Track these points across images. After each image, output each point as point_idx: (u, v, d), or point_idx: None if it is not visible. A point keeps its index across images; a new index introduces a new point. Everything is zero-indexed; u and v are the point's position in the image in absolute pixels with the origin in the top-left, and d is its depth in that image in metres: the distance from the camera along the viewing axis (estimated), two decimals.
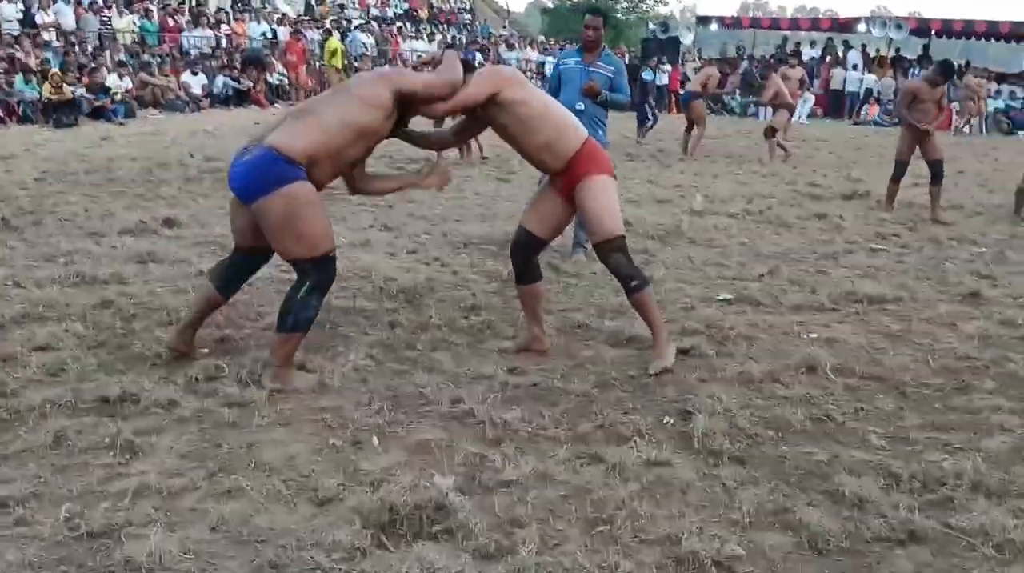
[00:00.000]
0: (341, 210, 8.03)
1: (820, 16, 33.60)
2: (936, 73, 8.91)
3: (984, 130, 21.45)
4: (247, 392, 3.66)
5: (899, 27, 24.50)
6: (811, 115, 22.67)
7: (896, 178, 8.93)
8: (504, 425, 3.42)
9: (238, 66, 19.13)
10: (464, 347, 4.42)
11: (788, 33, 28.83)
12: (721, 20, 29.23)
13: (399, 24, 28.59)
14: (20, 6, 17.98)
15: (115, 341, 4.25)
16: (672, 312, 5.05)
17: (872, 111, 23.34)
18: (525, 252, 4.40)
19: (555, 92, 6.08)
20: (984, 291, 5.66)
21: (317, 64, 21.31)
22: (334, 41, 20.09)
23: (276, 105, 19.36)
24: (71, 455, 3.10)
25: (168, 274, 5.44)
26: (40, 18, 17.84)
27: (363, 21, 26.92)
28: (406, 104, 3.98)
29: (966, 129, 21.15)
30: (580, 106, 5.91)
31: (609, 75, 6.19)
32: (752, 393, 3.90)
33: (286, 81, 20.57)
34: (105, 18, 19.10)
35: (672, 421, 3.55)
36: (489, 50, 27.66)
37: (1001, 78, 24.33)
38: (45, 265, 5.52)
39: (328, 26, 23.60)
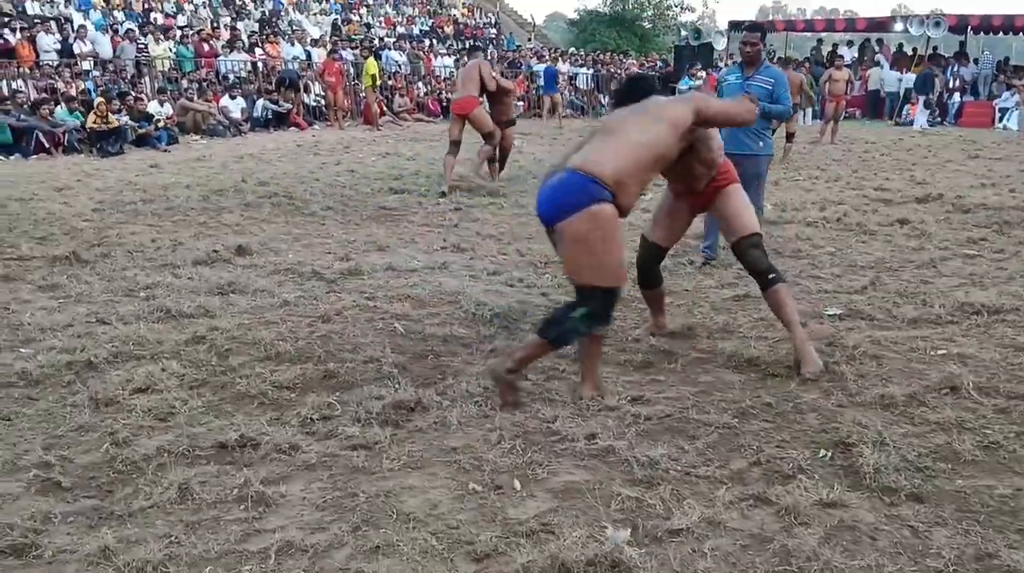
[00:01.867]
0: (408, 230, 7.86)
1: (855, 16, 33.08)
2: None
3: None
4: (369, 432, 3.45)
5: (937, 24, 24.04)
6: (848, 117, 22.28)
7: None
8: (651, 464, 3.18)
9: (275, 88, 19.04)
10: (576, 376, 4.17)
11: (823, 34, 28.43)
12: (755, 24, 28.94)
13: (427, 41, 28.52)
14: (58, 36, 18.02)
15: (216, 380, 4.05)
16: (783, 329, 4.79)
17: (914, 111, 22.92)
18: (653, 262, 4.63)
19: None
20: None
21: (352, 84, 21.18)
22: (372, 63, 19.94)
23: (315, 126, 19.29)
24: (200, 510, 2.89)
25: (253, 305, 5.25)
26: (78, 47, 17.85)
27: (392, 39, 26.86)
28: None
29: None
30: None
31: (768, 87, 6.35)
32: (900, 419, 3.63)
33: (323, 102, 20.48)
34: (142, 45, 19.09)
35: (829, 454, 3.29)
36: (520, 63, 27.50)
37: None
38: (125, 300, 5.34)
39: (365, 46, 23.48)
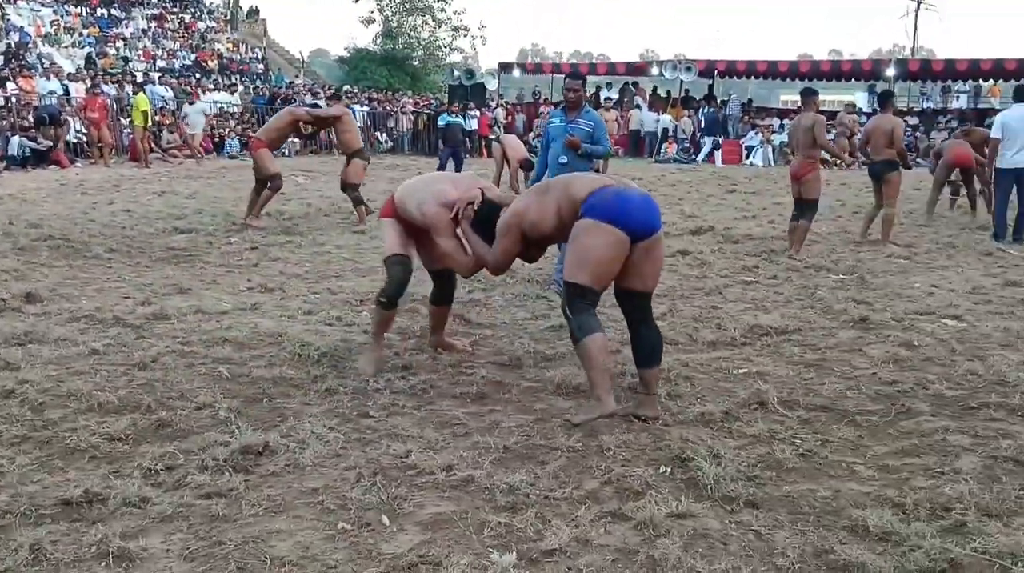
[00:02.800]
0: (206, 272, 7.63)
1: (609, 60, 35.24)
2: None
3: (772, 161, 23.09)
4: (220, 480, 3.36)
5: (688, 69, 26.02)
6: (612, 155, 23.59)
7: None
8: (511, 490, 3.30)
9: (32, 125, 17.83)
10: (418, 410, 4.25)
11: (588, 78, 29.96)
12: (523, 67, 30.16)
13: (191, 75, 27.63)
14: None
15: (38, 435, 3.80)
16: None
17: (671, 149, 24.63)
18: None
19: (545, 148, 7.12)
20: (871, 316, 6.04)
21: (115, 120, 20.14)
22: (143, 98, 19.04)
23: (78, 163, 18.21)
24: (58, 570, 2.73)
25: (58, 355, 4.94)
26: None
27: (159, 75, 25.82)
28: None
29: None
30: (563, 159, 6.84)
31: (589, 130, 6.87)
32: (721, 433, 3.96)
33: (84, 139, 19.36)
34: None
35: (669, 469, 3.55)
36: (294, 99, 27.16)
37: (782, 114, 26.40)
38: None
39: (129, 80, 22.42)
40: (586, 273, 4.00)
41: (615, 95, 27.45)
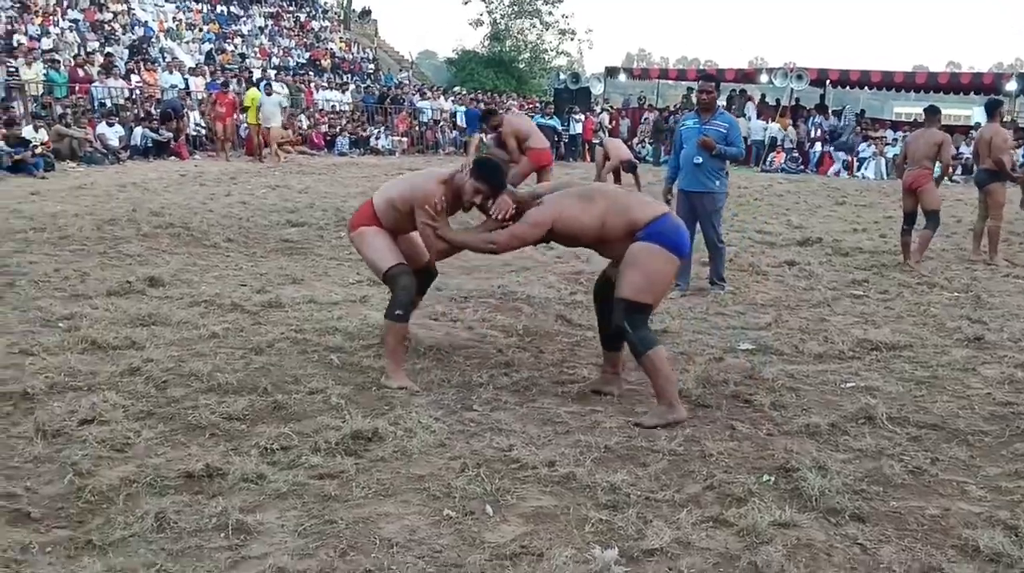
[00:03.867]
0: (318, 263, 7.87)
1: (717, 67, 34.79)
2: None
3: (885, 174, 22.47)
4: (332, 462, 3.50)
5: (799, 77, 25.50)
6: None
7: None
8: (613, 489, 3.35)
9: (156, 117, 18.60)
10: (520, 406, 4.32)
11: (694, 84, 29.68)
12: (629, 71, 30.05)
13: (304, 74, 28.36)
14: None
15: (162, 411, 4.00)
16: (702, 363, 5.07)
17: (779, 158, 24.20)
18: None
19: (678, 149, 7.25)
20: (986, 336, 5.86)
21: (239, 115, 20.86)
22: (255, 92, 19.64)
23: (196, 155, 18.90)
24: (181, 539, 2.88)
25: (180, 337, 5.18)
26: None
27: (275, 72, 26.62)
28: None
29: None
30: (698, 160, 6.99)
31: (724, 131, 7.03)
32: (827, 446, 3.92)
33: (204, 132, 20.11)
34: (12, 68, 18.33)
35: (773, 478, 3.53)
36: (403, 99, 27.67)
37: (896, 126, 25.68)
38: (45, 331, 5.18)
39: (245, 77, 23.17)
40: (652, 295, 4.29)
41: (723, 102, 27.07)
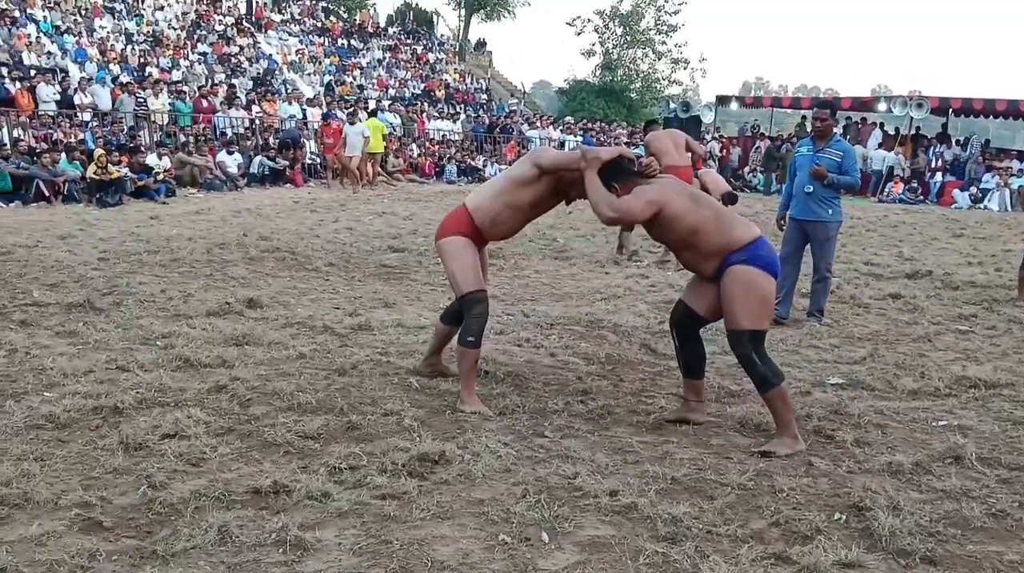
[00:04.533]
0: (412, 288, 8.00)
1: (836, 95, 34.04)
2: None
3: (1009, 206, 21.52)
4: (396, 483, 3.54)
5: (920, 106, 24.70)
6: None
7: None
8: (674, 521, 3.29)
9: (273, 146, 19.31)
10: (592, 434, 4.30)
11: (809, 112, 29.10)
12: (741, 100, 29.67)
13: (418, 104, 28.98)
14: (57, 87, 18.25)
15: (241, 428, 4.13)
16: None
17: (896, 189, 23.45)
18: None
19: (792, 175, 7.23)
20: None
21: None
22: (375, 121, 20.29)
23: (310, 183, 19.50)
24: (240, 552, 2.97)
25: (269, 357, 5.34)
26: (78, 99, 18.08)
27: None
28: None
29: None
30: (808, 189, 6.94)
31: (838, 160, 6.93)
32: (908, 485, 3.76)
33: (318, 161, 20.75)
34: (140, 99, 19.34)
35: (844, 517, 3.41)
36: (512, 128, 28.00)
37: (1022, 156, 24.57)
38: (143, 348, 5.44)
39: (361, 107, 23.84)
40: (766, 320, 4.27)
41: (839, 130, 26.43)
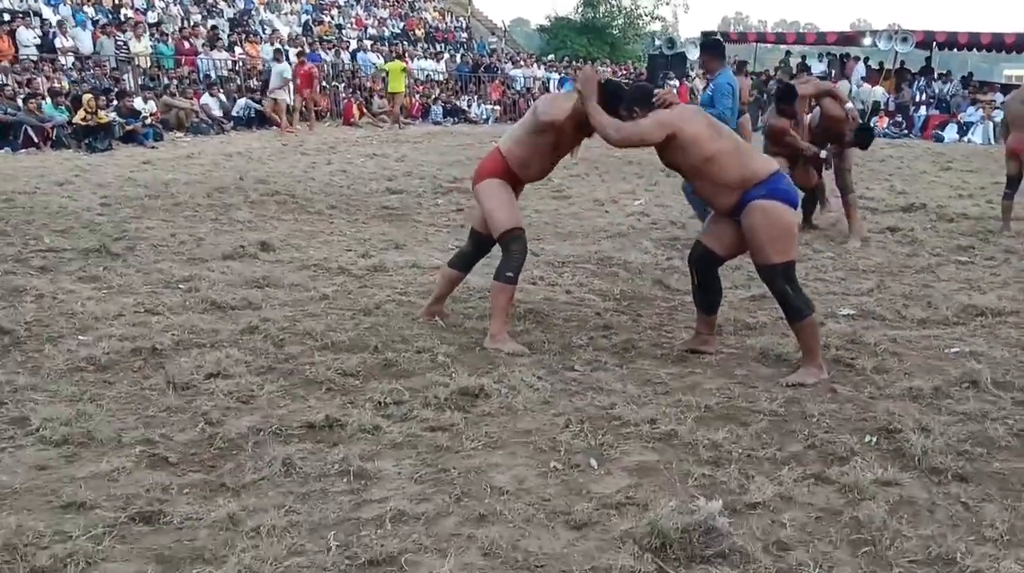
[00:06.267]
0: (418, 230, 8.06)
1: (816, 29, 33.97)
2: None
3: (993, 139, 21.68)
4: (443, 416, 3.66)
5: (905, 40, 24.67)
6: None
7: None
8: (714, 446, 3.43)
9: (257, 89, 19.10)
10: (620, 367, 4.42)
11: (793, 47, 29.06)
12: (726, 35, 29.49)
13: (399, 44, 28.61)
14: (37, 31, 17.91)
15: (281, 367, 4.23)
16: None
17: (881, 123, 23.55)
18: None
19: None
20: None
21: (338, 86, 21.33)
22: (397, 63, 21.26)
23: (297, 126, 19.35)
24: (307, 483, 3.08)
25: (293, 299, 5.42)
26: (59, 42, 17.77)
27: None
28: None
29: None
30: None
31: (709, 93, 7.29)
32: (930, 409, 3.92)
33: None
34: (121, 42, 19.02)
35: (875, 439, 3.57)
36: (496, 68, 27.77)
37: (1006, 89, 24.67)
38: (167, 291, 5.50)
39: (346, 47, 23.59)
40: (794, 250, 4.37)
41: (824, 67, 26.43)
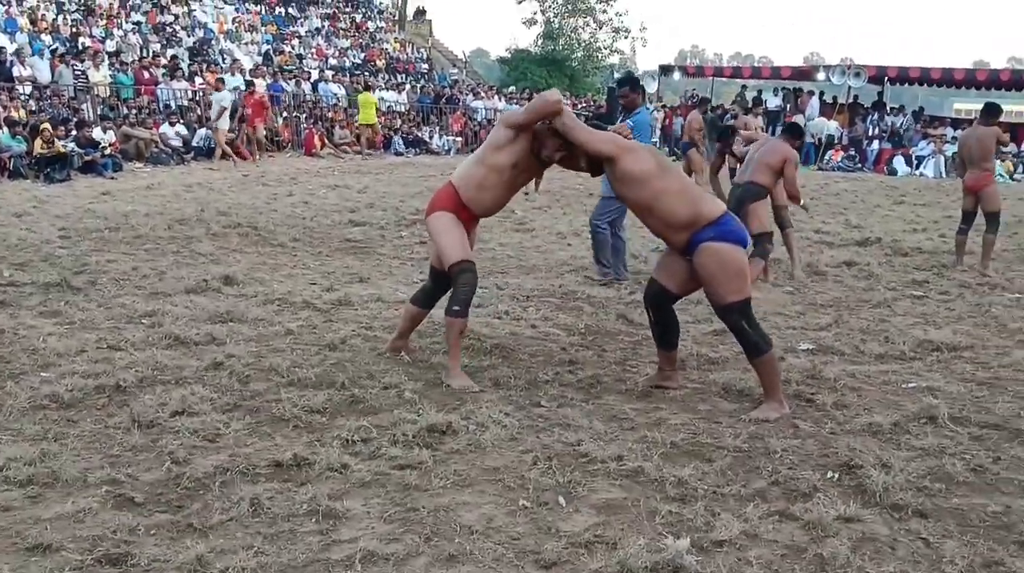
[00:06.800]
0: (382, 263, 8.07)
1: (771, 64, 34.59)
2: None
3: (944, 173, 22.19)
4: (411, 454, 3.67)
5: (858, 75, 25.25)
6: None
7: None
8: (680, 482, 3.47)
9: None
10: (586, 403, 4.46)
11: (749, 82, 29.57)
12: (684, 69, 30.00)
13: (360, 74, 28.69)
14: None
15: (247, 404, 4.22)
16: None
17: (836, 156, 24.03)
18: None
19: None
20: None
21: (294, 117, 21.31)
22: (367, 95, 21.59)
23: (257, 156, 19.27)
24: (275, 523, 3.07)
25: (258, 333, 5.41)
26: (17, 71, 17.60)
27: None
28: None
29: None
30: None
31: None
32: (890, 445, 4.00)
33: (264, 134, 20.48)
34: (79, 71, 18.87)
35: (837, 475, 3.63)
36: (459, 99, 27.93)
37: (956, 123, 25.30)
38: (130, 326, 5.45)
39: (307, 78, 23.60)
40: (747, 288, 4.41)
41: (779, 101, 26.92)
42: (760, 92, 28.00)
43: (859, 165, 23.70)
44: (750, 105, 24.76)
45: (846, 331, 6.04)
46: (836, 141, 24.54)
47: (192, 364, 4.75)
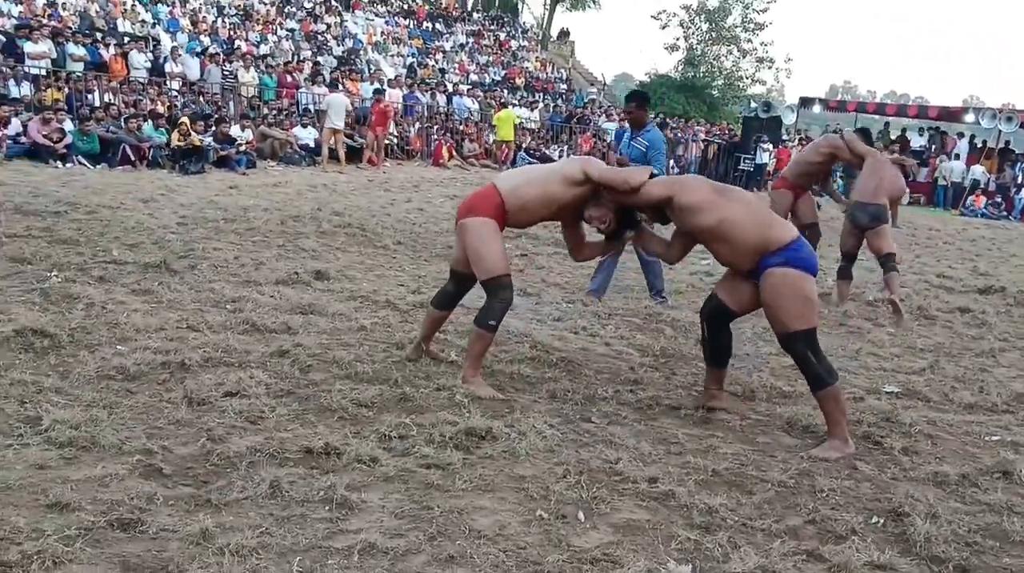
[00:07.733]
0: None
1: (927, 104, 33.18)
2: None
3: None
4: (443, 454, 3.65)
5: (1009, 119, 24.00)
6: (913, 202, 22.08)
7: None
8: (710, 511, 3.35)
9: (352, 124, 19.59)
10: (638, 423, 4.36)
11: (893, 119, 28.52)
12: (825, 102, 29.18)
13: (498, 91, 29.06)
14: (149, 55, 18.79)
15: (300, 392, 4.30)
16: None
17: (979, 202, 22.90)
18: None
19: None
20: None
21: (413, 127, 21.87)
22: (508, 112, 22.07)
23: (387, 163, 19.74)
24: (289, 507, 3.11)
25: (332, 327, 5.51)
26: (168, 67, 18.59)
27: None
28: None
29: None
30: None
31: (643, 149, 7.08)
32: (952, 496, 3.75)
33: (395, 141, 20.98)
34: (228, 71, 19.79)
35: (882, 521, 3.43)
36: (588, 119, 27.96)
37: None
38: (213, 310, 5.64)
39: (443, 91, 24.10)
40: (814, 317, 4.23)
41: (923, 140, 25.87)
42: (904, 131, 26.95)
43: (1005, 213, 22.52)
44: (892, 141, 23.93)
45: (939, 377, 5.71)
46: (980, 186, 23.36)
47: (259, 349, 4.87)
